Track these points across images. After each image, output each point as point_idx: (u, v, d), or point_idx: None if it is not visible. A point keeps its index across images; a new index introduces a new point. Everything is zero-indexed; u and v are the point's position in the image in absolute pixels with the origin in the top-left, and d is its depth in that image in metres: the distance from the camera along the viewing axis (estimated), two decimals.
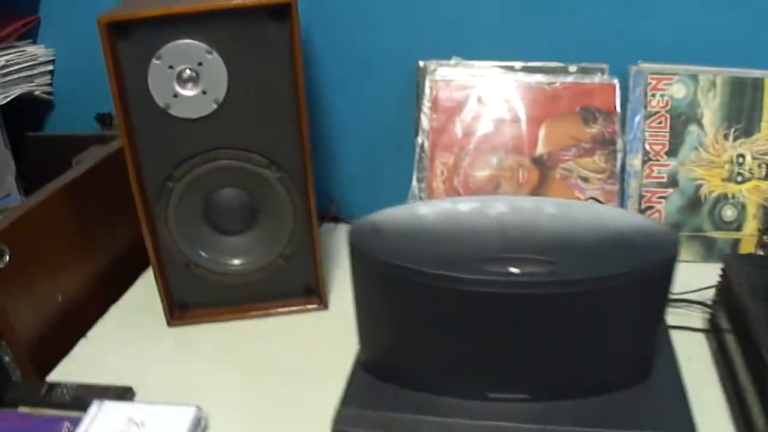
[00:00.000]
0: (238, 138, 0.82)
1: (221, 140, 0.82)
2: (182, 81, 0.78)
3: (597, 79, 1.02)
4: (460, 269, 0.61)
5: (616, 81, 1.02)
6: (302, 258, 0.91)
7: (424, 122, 1.03)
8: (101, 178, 1.00)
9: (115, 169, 1.02)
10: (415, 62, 1.05)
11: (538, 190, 1.02)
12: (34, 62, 1.15)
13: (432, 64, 1.04)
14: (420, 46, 1.04)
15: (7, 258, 0.81)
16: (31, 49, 1.15)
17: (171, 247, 0.88)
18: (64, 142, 1.16)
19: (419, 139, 1.04)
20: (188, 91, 0.79)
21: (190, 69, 0.78)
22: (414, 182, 1.04)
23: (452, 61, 1.04)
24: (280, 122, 0.82)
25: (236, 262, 0.90)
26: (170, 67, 0.77)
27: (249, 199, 0.87)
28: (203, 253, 0.89)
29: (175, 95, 0.78)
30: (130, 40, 0.75)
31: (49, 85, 1.20)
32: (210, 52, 0.77)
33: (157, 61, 0.76)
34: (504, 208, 0.69)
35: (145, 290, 1.00)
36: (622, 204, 1.04)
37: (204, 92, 0.79)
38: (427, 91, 1.03)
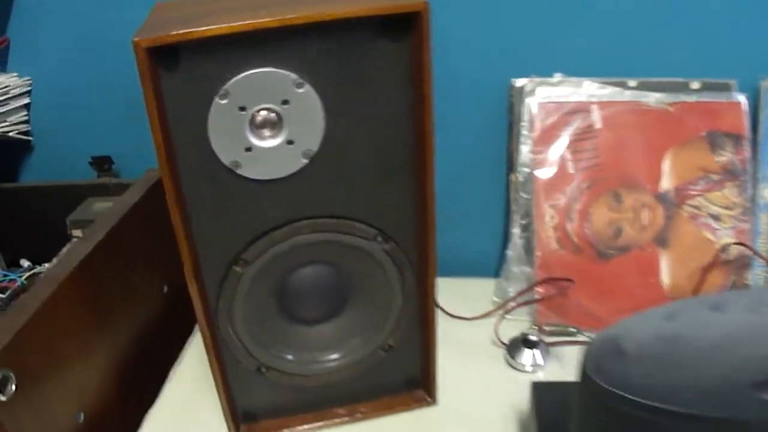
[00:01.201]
0: (336, 202, 0.56)
1: (312, 207, 0.56)
2: (258, 127, 0.52)
3: (723, 97, 0.81)
4: (733, 407, 0.39)
5: (743, 99, 0.81)
6: (408, 346, 0.66)
7: (524, 154, 0.80)
8: (120, 248, 0.72)
9: (135, 234, 0.75)
10: (506, 80, 0.81)
11: (664, 234, 0.80)
12: (6, 95, 0.86)
13: (529, 83, 0.80)
14: (512, 61, 0.81)
15: (13, 387, 0.54)
16: (1, 79, 0.86)
17: (237, 349, 0.61)
18: (51, 195, 0.87)
19: (517, 176, 0.80)
20: (267, 142, 0.53)
21: (270, 110, 0.52)
22: (515, 230, 0.81)
23: (555, 78, 0.81)
24: (393, 178, 0.57)
25: (322, 359, 0.65)
26: (241, 108, 0.51)
27: (341, 277, 0.62)
28: (280, 353, 0.63)
29: (248, 148, 0.52)
30: (182, 71, 0.49)
31: (26, 122, 0.90)
32: (301, 85, 0.51)
33: (222, 101, 0.50)
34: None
35: (184, 391, 0.73)
36: (753, 242, 0.83)
37: (290, 142, 0.53)
38: (526, 116, 0.80)
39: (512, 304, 0.81)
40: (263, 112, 0.52)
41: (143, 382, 0.76)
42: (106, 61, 0.84)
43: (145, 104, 0.48)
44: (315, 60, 0.50)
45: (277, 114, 0.52)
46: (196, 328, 0.83)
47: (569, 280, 0.77)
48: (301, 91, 0.51)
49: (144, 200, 0.79)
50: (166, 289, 0.84)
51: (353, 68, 0.51)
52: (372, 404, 0.68)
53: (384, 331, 0.64)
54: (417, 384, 0.69)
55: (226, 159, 0.52)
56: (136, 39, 0.46)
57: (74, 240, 0.72)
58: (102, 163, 0.86)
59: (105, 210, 0.82)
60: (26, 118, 0.90)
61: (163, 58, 0.48)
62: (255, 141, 0.52)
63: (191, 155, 0.52)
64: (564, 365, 0.75)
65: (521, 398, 0.69)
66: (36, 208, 0.88)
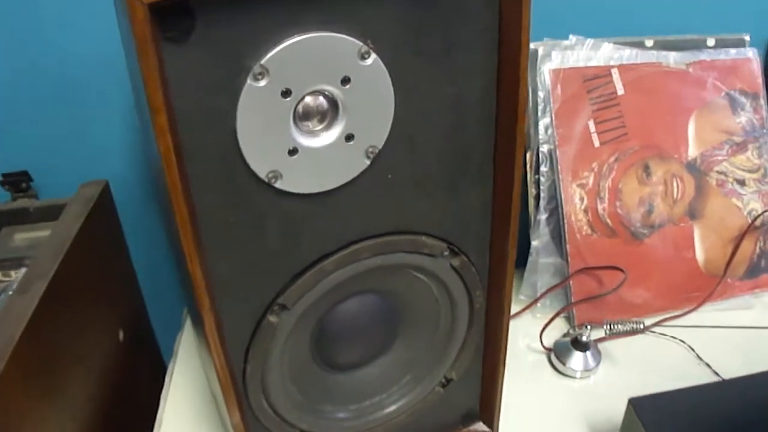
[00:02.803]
0: (403, 214, 0.40)
1: (374, 222, 0.40)
2: (306, 119, 0.35)
3: (738, 54, 0.73)
4: None
5: (754, 54, 0.73)
6: (470, 377, 0.52)
7: (544, 130, 0.67)
8: (68, 295, 0.52)
9: (82, 273, 0.55)
10: None
11: (695, 205, 0.71)
12: None
13: (542, 46, 0.67)
14: None
15: None
16: None
17: (271, 421, 0.44)
18: None
19: (534, 154, 0.67)
20: (319, 139, 0.36)
21: (324, 94, 0.35)
22: (541, 216, 0.68)
23: (570, 41, 0.68)
24: (469, 177, 0.42)
25: (369, 409, 0.49)
26: (285, 93, 0.33)
27: (391, 307, 0.46)
28: (323, 414, 0.47)
29: (293, 150, 0.35)
30: (200, 41, 0.31)
31: None
32: (366, 56, 0.34)
33: (257, 83, 0.32)
34: None
35: None
36: None
37: (349, 137, 0.36)
38: (544, 84, 0.67)
39: (542, 301, 0.69)
40: (314, 98, 0.35)
41: None
42: (14, 53, 0.61)
43: (146, 95, 0.30)
44: (387, 21, 0.34)
45: (333, 99, 0.35)
46: (168, 379, 0.64)
47: (618, 268, 0.65)
48: (366, 63, 0.34)
49: (87, 226, 0.58)
50: (122, 335, 0.64)
51: (435, 34, 0.35)
52: None
53: (444, 362, 0.49)
54: (474, 417, 0.55)
55: (261, 169, 0.35)
56: None
57: (9, 294, 0.50)
58: (18, 182, 0.63)
59: (31, 243, 0.60)
60: None
61: (172, 21, 0.29)
62: (302, 139, 0.35)
63: (210, 167, 0.34)
64: (618, 365, 0.64)
65: (584, 412, 0.58)
66: None
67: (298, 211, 0.37)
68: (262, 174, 0.35)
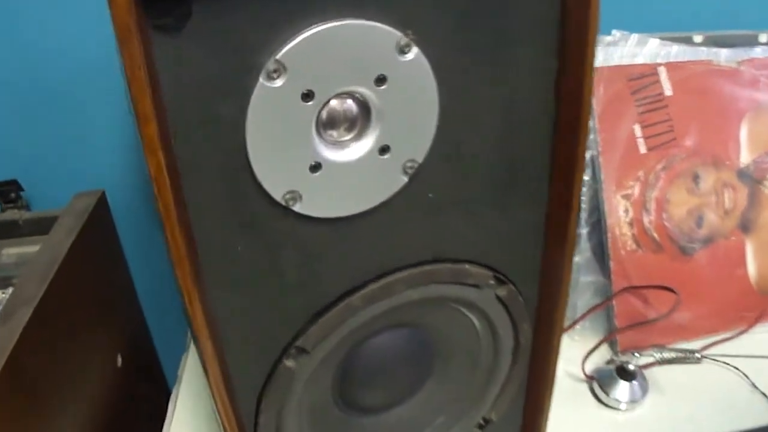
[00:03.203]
0: (444, 239, 0.34)
1: (410, 250, 0.33)
2: (331, 127, 0.28)
3: None
4: None
5: None
6: (510, 417, 0.45)
7: None
8: (58, 319, 0.46)
9: (75, 294, 0.49)
10: None
11: (747, 217, 0.64)
12: None
13: None
14: None
15: None
16: None
17: None
18: None
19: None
20: (347, 152, 0.29)
21: (353, 97, 0.28)
22: (582, 231, 0.61)
23: (613, 36, 0.61)
24: (518, 193, 0.35)
25: None
26: (307, 95, 0.27)
27: (425, 342, 0.39)
28: None
29: (316, 166, 0.28)
30: (197, 31, 0.24)
31: None
32: (406, 49, 0.27)
33: (272, 83, 0.26)
34: None
35: None
36: None
37: (384, 150, 0.29)
38: None
39: (581, 322, 0.62)
40: (341, 101, 0.28)
41: None
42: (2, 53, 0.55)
43: (131, 99, 0.23)
44: (430, 7, 0.27)
45: (365, 103, 0.28)
46: (172, 407, 0.57)
47: (668, 288, 0.58)
48: (407, 58, 0.27)
49: (79, 242, 0.51)
50: (120, 360, 0.57)
51: (486, 25, 0.29)
52: None
53: (483, 402, 0.43)
54: None
55: (276, 189, 0.28)
56: None
57: None
58: (6, 192, 0.57)
59: (20, 259, 0.54)
60: None
61: (164, 6, 0.23)
62: (327, 152, 0.28)
63: (213, 188, 0.27)
64: (666, 395, 0.57)
65: None
66: None
67: (321, 238, 0.30)
68: (277, 195, 0.28)
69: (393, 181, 0.30)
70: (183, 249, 0.27)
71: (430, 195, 0.32)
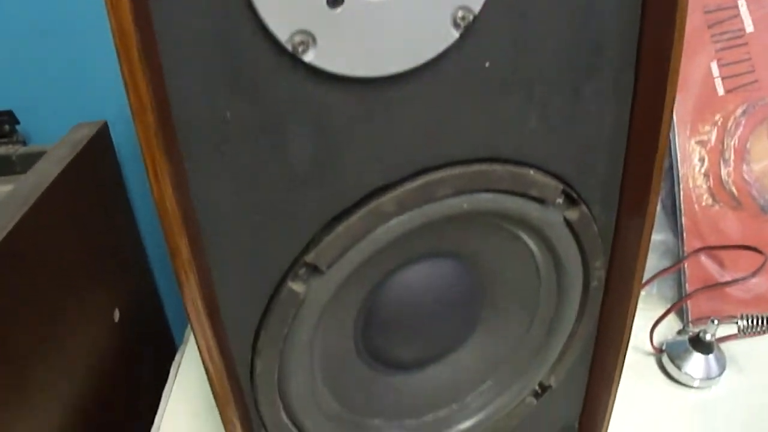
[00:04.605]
0: (501, 132, 0.25)
1: (458, 140, 0.24)
2: None
3: None
4: None
5: None
6: (573, 382, 0.36)
7: None
8: (40, 264, 0.38)
9: (63, 236, 0.41)
10: None
11: None
12: None
13: None
14: None
15: None
16: None
17: None
18: None
19: None
20: None
21: None
22: None
23: None
24: (600, 79, 0.26)
25: (432, 418, 0.33)
26: None
27: (472, 280, 0.31)
28: (370, 431, 0.31)
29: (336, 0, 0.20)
30: None
31: None
32: None
33: None
34: None
35: None
36: None
37: None
38: None
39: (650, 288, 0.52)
40: None
41: None
42: None
43: None
44: None
45: None
46: (173, 371, 0.50)
47: (753, 248, 0.48)
48: None
49: (70, 173, 0.44)
50: (117, 315, 0.50)
51: None
52: None
53: (541, 364, 0.34)
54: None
55: (282, 29, 0.20)
56: None
57: None
58: (0, 123, 0.50)
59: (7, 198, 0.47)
60: None
61: None
62: None
63: (195, 24, 0.19)
64: (745, 373, 0.48)
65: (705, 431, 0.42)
66: None
67: (341, 109, 0.22)
68: (283, 36, 0.20)
69: (440, 35, 0.22)
70: (146, 99, 0.18)
71: (487, 64, 0.23)
